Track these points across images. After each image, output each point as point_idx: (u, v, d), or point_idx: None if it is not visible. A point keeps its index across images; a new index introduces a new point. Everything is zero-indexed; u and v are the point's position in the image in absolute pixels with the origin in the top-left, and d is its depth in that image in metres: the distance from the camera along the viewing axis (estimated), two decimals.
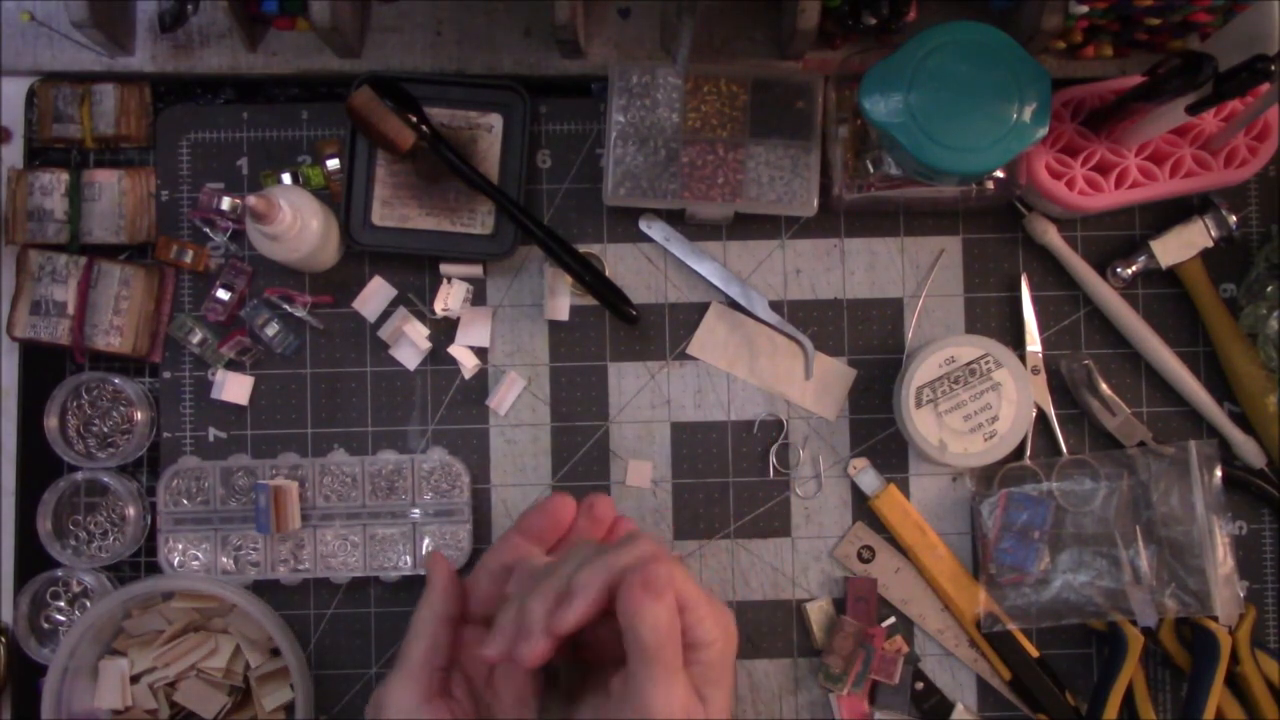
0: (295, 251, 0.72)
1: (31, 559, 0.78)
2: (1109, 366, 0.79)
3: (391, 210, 0.78)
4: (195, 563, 0.78)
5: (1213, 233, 0.77)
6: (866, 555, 0.78)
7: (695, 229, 0.80)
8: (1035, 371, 0.78)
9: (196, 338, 0.78)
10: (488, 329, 0.79)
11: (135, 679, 0.75)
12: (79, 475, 0.77)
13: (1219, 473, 0.76)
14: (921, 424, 0.74)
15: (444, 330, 0.79)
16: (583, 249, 0.79)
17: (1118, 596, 0.76)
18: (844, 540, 0.79)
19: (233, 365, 0.79)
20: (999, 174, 0.72)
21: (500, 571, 0.63)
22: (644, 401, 0.79)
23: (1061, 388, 0.79)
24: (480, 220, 0.78)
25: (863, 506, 0.79)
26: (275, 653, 0.77)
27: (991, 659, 0.77)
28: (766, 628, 0.78)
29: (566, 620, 0.53)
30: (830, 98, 0.76)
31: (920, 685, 0.78)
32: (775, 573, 0.79)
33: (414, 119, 0.75)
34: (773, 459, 0.79)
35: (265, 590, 0.78)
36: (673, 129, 0.76)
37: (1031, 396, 0.75)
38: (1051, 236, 0.78)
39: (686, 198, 0.76)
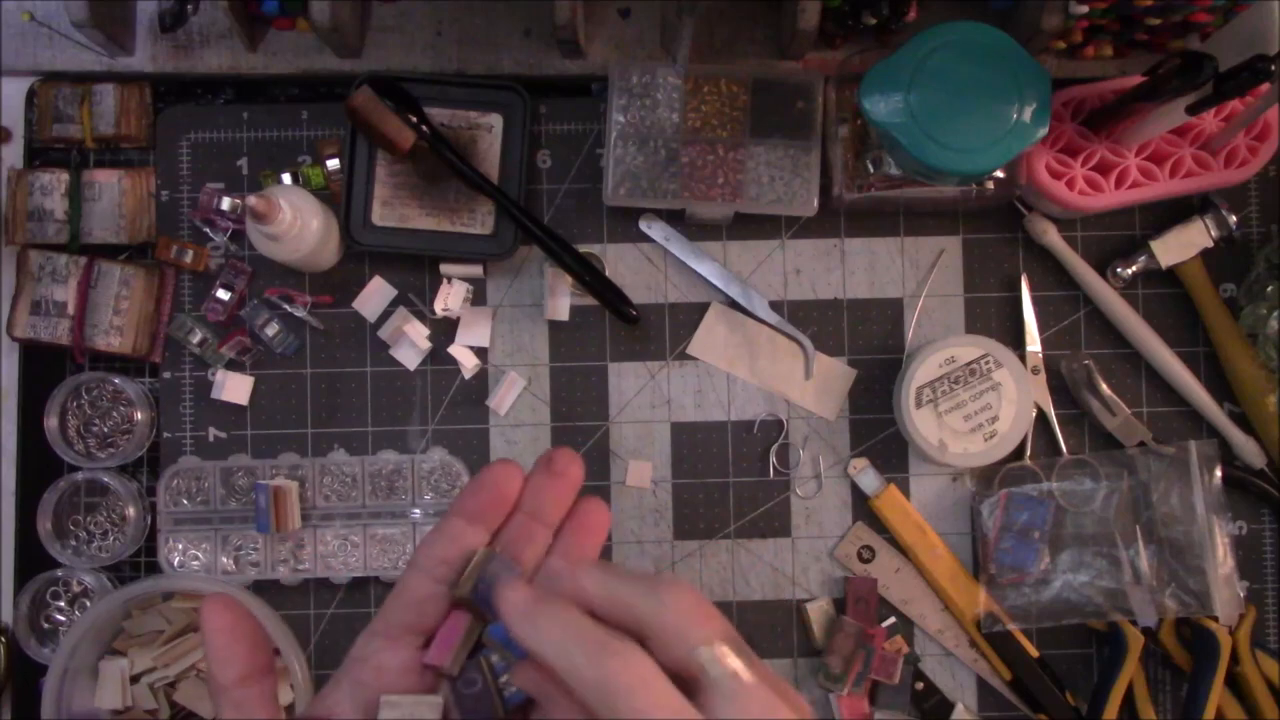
0: (295, 251, 0.72)
1: (31, 559, 0.78)
2: (1109, 366, 0.79)
3: (391, 210, 0.78)
4: (195, 563, 0.78)
5: (1213, 233, 0.77)
6: (866, 555, 0.78)
7: (695, 229, 0.80)
8: (1035, 371, 0.78)
9: (196, 338, 0.78)
10: (488, 329, 0.79)
11: (135, 679, 0.75)
12: (79, 475, 0.77)
13: (1219, 473, 0.76)
14: (921, 424, 0.74)
15: (444, 330, 0.79)
16: (583, 249, 0.79)
17: (1118, 596, 0.76)
18: (844, 540, 0.79)
19: (233, 365, 0.79)
20: (999, 174, 0.72)
21: (439, 568, 0.48)
22: (644, 401, 0.79)
23: (1061, 388, 0.79)
24: (480, 220, 0.78)
25: (863, 506, 0.79)
26: (275, 652, 0.77)
27: (991, 659, 0.77)
28: (766, 628, 0.78)
29: None
30: (830, 98, 0.76)
31: (920, 685, 0.78)
32: (775, 573, 0.79)
33: (414, 119, 0.75)
34: (773, 459, 0.79)
35: (265, 590, 0.78)
36: (673, 129, 0.76)
37: (1031, 396, 0.75)
38: (1051, 236, 0.78)
39: (686, 198, 0.76)
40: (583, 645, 0.42)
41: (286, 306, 0.78)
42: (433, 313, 0.78)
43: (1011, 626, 0.76)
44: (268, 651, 0.47)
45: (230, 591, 0.52)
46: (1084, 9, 0.69)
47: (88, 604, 0.78)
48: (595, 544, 0.53)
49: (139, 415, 0.78)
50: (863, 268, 0.80)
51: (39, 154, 0.80)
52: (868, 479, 0.78)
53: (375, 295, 0.79)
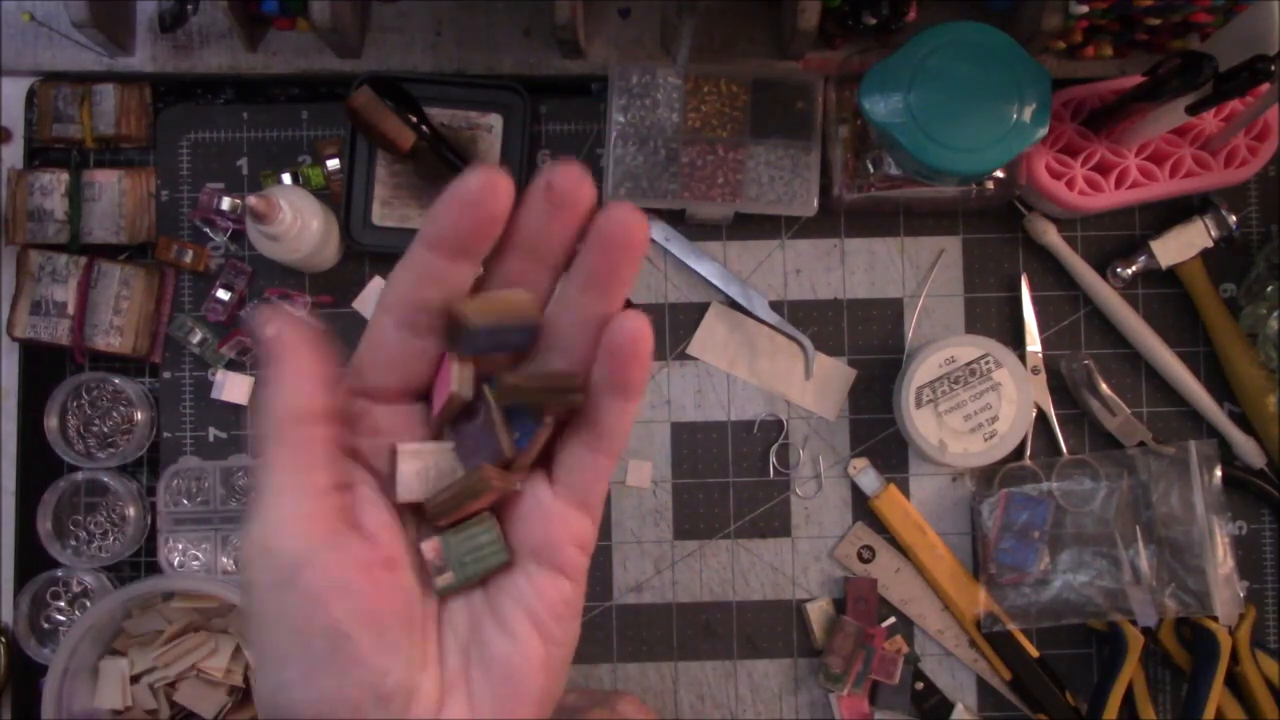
0: (295, 251, 0.72)
1: (31, 559, 0.78)
2: (1109, 366, 0.79)
3: (391, 210, 0.78)
4: (195, 563, 0.78)
5: (1213, 233, 0.77)
6: (866, 555, 0.78)
7: (695, 229, 0.80)
8: (1035, 371, 0.78)
9: (196, 338, 0.78)
10: None
11: (135, 679, 0.75)
12: (79, 475, 0.77)
13: (1219, 473, 0.76)
14: (921, 424, 0.74)
15: None
16: None
17: (1118, 596, 0.76)
18: (844, 540, 0.79)
19: (233, 365, 0.79)
20: (999, 174, 0.72)
21: (410, 312, 0.38)
22: (644, 401, 0.79)
23: (1061, 388, 0.79)
24: None
25: (863, 506, 0.79)
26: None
27: (991, 659, 0.77)
28: (766, 628, 0.78)
29: None
30: (830, 98, 0.76)
31: (920, 685, 0.78)
32: (775, 573, 0.79)
33: (414, 119, 0.75)
34: (773, 459, 0.79)
35: None
36: (673, 129, 0.76)
37: (1031, 396, 0.75)
38: (1051, 236, 0.78)
39: (686, 198, 0.76)
40: None
41: (287, 306, 0.78)
42: None
43: (1011, 626, 0.76)
44: (333, 394, 0.36)
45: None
46: (1084, 9, 0.69)
47: (88, 604, 0.78)
48: (626, 271, 0.37)
49: (139, 415, 0.78)
50: (863, 268, 0.80)
51: (39, 154, 0.80)
52: (868, 479, 0.78)
53: (375, 295, 0.79)
